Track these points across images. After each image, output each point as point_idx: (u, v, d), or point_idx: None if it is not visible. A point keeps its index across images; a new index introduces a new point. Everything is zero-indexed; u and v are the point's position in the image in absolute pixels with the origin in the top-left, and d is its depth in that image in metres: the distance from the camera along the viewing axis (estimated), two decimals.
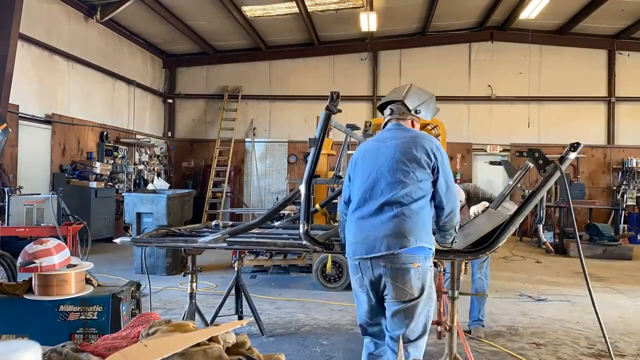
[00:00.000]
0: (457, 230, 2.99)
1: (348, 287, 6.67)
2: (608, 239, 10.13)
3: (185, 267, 5.71)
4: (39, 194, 7.67)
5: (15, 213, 6.75)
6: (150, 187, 13.25)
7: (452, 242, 3.01)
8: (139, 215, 7.67)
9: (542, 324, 5.29)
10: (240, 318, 4.77)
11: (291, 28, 13.32)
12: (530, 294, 6.59)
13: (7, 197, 6.82)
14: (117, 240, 3.98)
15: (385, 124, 3.06)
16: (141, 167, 13.86)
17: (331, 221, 6.67)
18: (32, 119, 9.67)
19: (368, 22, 11.88)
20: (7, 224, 6.74)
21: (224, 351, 1.69)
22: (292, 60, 14.98)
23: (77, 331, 2.81)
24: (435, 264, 4.94)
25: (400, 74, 14.68)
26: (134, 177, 13.16)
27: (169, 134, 15.48)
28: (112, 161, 12.08)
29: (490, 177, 13.80)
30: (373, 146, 2.95)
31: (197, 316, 4.13)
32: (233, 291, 4.81)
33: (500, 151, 14.20)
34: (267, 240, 3.90)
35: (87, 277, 3.06)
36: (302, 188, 3.19)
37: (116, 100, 12.77)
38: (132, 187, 12.76)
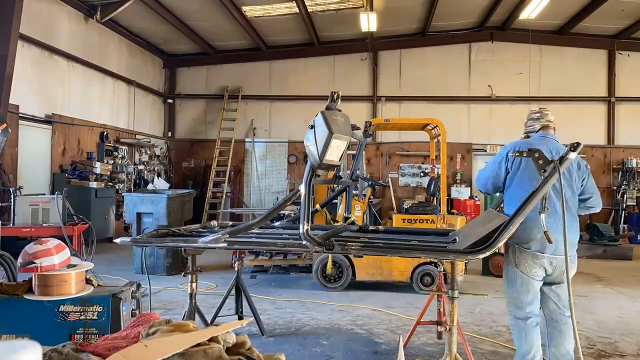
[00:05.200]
0: None
1: (348, 287, 6.68)
2: (608, 239, 10.13)
3: (185, 267, 5.71)
4: (44, 194, 7.71)
5: (20, 213, 6.79)
6: (150, 187, 13.25)
7: None
8: (139, 215, 7.67)
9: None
10: (240, 318, 4.77)
11: (291, 28, 13.31)
12: None
13: (13, 197, 6.87)
14: (117, 240, 3.97)
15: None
16: (141, 167, 13.86)
17: (331, 221, 6.66)
18: (32, 119, 9.67)
19: (368, 22, 11.87)
20: (13, 224, 6.84)
21: (224, 351, 1.69)
22: (292, 60, 14.97)
23: (77, 331, 2.81)
24: (435, 264, 4.95)
25: (400, 74, 14.68)
26: (134, 177, 13.16)
27: (169, 134, 15.48)
28: (112, 161, 12.08)
29: None
30: None
31: (197, 316, 4.13)
32: (233, 291, 4.81)
33: None
34: (267, 240, 3.90)
35: (87, 277, 3.06)
36: (302, 188, 3.19)
37: (116, 100, 12.77)
38: (132, 187, 12.76)
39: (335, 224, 5.72)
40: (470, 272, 7.70)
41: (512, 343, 4.64)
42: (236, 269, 4.75)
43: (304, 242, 3.19)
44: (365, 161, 13.66)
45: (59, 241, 2.98)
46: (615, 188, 14.02)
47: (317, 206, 5.57)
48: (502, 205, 4.13)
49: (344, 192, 5.54)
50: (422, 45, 14.51)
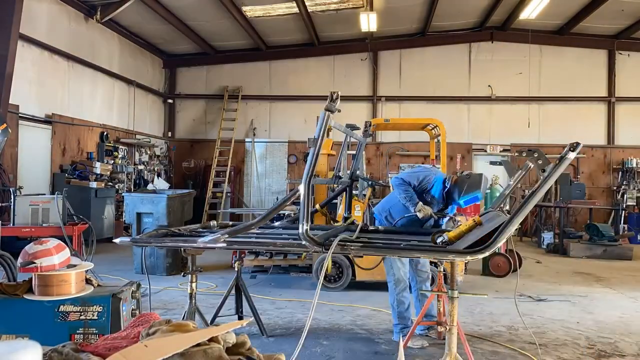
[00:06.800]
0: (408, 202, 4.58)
1: (348, 287, 6.68)
2: (608, 239, 10.12)
3: (185, 267, 5.71)
4: (44, 194, 7.71)
5: (20, 213, 6.79)
6: (150, 187, 13.25)
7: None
8: (139, 215, 7.66)
9: (542, 324, 5.29)
10: (240, 318, 4.77)
11: (291, 28, 13.31)
12: (530, 294, 6.59)
13: (13, 197, 6.88)
14: (117, 240, 3.97)
15: None
16: (141, 167, 13.86)
17: (331, 221, 6.66)
18: (32, 119, 9.67)
19: (368, 22, 11.87)
20: (13, 224, 6.84)
21: (224, 351, 1.69)
22: (292, 60, 14.97)
23: (77, 331, 2.81)
24: (435, 264, 4.96)
25: (400, 74, 14.68)
26: (134, 177, 13.16)
27: (169, 134, 15.48)
28: (112, 161, 12.08)
29: (490, 177, 13.82)
30: None
31: (197, 316, 4.13)
32: (233, 291, 4.80)
33: (501, 151, 14.19)
34: (267, 240, 3.90)
35: (87, 277, 3.06)
36: (302, 188, 3.18)
37: (116, 100, 12.77)
38: (132, 187, 12.76)
39: (335, 224, 5.72)
40: (470, 272, 7.70)
41: (512, 343, 4.65)
42: (236, 269, 4.75)
43: (304, 242, 3.19)
44: (365, 161, 13.66)
45: (59, 241, 2.99)
46: (615, 188, 14.02)
47: (317, 206, 5.58)
48: (502, 205, 4.13)
49: (344, 192, 5.54)
50: (422, 45, 14.51)
